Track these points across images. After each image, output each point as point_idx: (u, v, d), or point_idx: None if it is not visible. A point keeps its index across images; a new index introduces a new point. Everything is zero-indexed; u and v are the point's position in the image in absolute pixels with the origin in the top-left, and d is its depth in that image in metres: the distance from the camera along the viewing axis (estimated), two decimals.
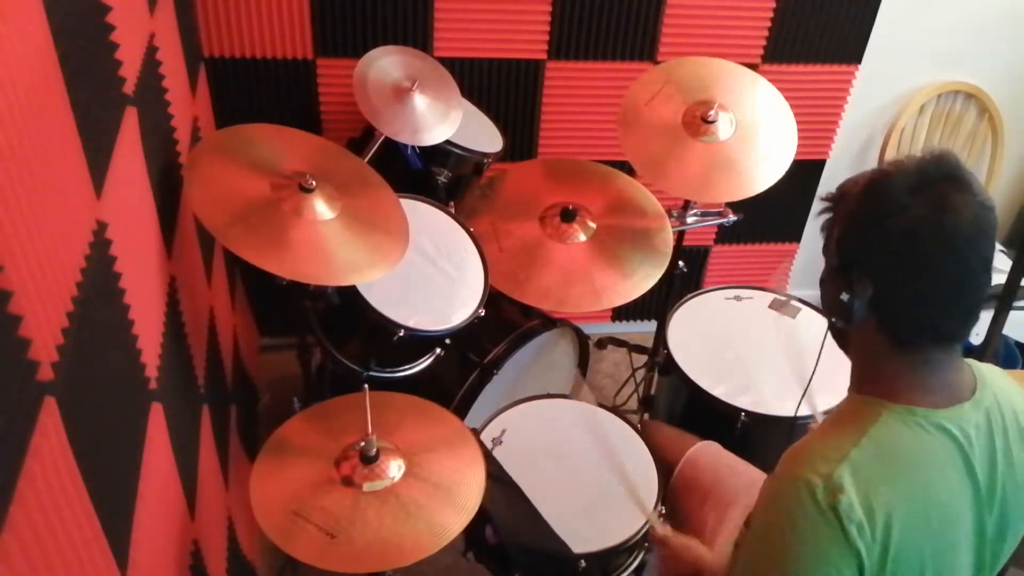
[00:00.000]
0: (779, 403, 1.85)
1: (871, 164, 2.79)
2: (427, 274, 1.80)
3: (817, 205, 1.21)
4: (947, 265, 1.04)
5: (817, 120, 2.63)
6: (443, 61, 2.11)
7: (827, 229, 1.14)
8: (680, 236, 2.18)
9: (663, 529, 1.48)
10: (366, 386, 1.48)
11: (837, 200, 1.13)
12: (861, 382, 1.14)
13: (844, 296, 1.07)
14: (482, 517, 1.47)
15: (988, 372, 1.15)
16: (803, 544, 1.02)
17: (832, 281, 1.11)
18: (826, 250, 1.14)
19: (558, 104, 2.45)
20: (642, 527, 1.57)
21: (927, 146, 1.07)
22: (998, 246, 2.75)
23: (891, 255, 1.04)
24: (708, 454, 1.72)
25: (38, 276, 0.79)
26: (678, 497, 1.69)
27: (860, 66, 2.57)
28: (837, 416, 1.13)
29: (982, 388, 1.11)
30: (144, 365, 1.15)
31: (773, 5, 2.39)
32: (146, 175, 1.30)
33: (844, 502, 1.00)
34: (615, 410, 1.85)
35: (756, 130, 2.01)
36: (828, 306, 1.15)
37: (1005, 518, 1.11)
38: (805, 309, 2.10)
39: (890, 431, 1.05)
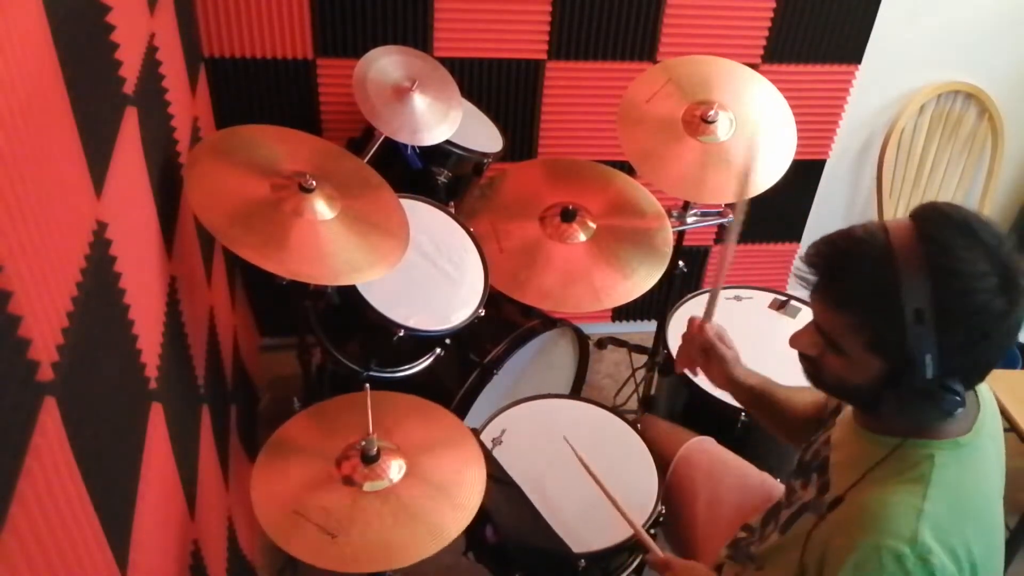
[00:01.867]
0: None
1: (871, 164, 2.79)
2: (427, 274, 1.80)
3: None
4: (1018, 327, 1.01)
5: (817, 120, 2.63)
6: (443, 61, 2.11)
7: (874, 330, 1.03)
8: (680, 236, 2.18)
9: (664, 554, 1.46)
10: (367, 385, 1.48)
11: (874, 298, 1.01)
12: (891, 426, 1.10)
13: (960, 408, 1.01)
14: (482, 517, 1.47)
15: None
16: None
17: (922, 392, 1.01)
18: (876, 353, 1.03)
19: (558, 104, 2.45)
20: (644, 524, 1.57)
21: (937, 204, 1.02)
22: None
23: (987, 351, 1.00)
24: (702, 451, 1.72)
25: (38, 276, 0.79)
26: (672, 495, 1.69)
27: (860, 66, 2.57)
28: (880, 466, 1.09)
29: (979, 391, 1.13)
30: (144, 365, 1.15)
31: (773, 5, 2.39)
32: (146, 175, 1.30)
33: (937, 563, 0.98)
34: (615, 410, 1.85)
35: (756, 130, 2.01)
36: (904, 410, 1.05)
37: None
38: (805, 309, 2.10)
39: (950, 473, 1.04)
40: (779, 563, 1.20)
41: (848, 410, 1.23)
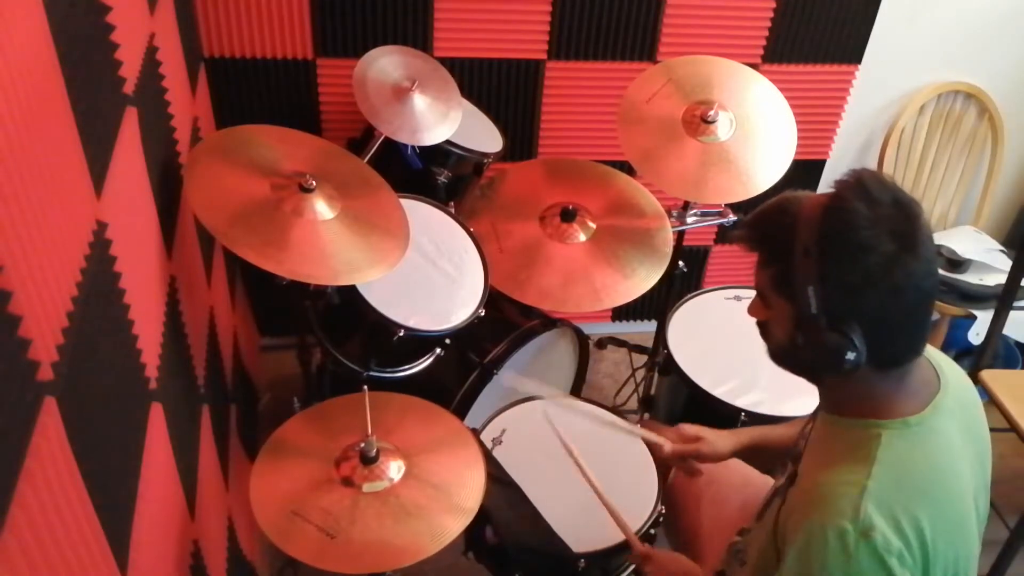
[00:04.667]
0: (779, 403, 1.85)
1: (871, 164, 2.79)
2: (427, 274, 1.80)
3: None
4: (925, 286, 1.03)
5: (817, 120, 2.63)
6: (443, 61, 2.11)
7: (776, 269, 1.08)
8: (680, 236, 2.18)
9: (644, 546, 1.47)
10: (366, 387, 1.48)
11: (776, 238, 1.07)
12: (842, 405, 1.13)
13: (850, 355, 1.02)
14: (482, 517, 1.47)
15: (935, 354, 1.17)
16: None
17: (813, 333, 1.04)
18: (781, 294, 1.08)
19: (558, 104, 2.45)
20: (644, 524, 1.57)
21: (850, 172, 1.08)
22: (998, 246, 2.75)
23: (878, 297, 1.02)
24: None
25: (38, 276, 0.78)
26: (674, 498, 1.69)
27: (860, 66, 2.57)
28: (832, 446, 1.11)
29: (942, 373, 1.13)
30: (144, 365, 1.15)
31: (773, 5, 2.40)
32: (146, 175, 1.30)
33: (879, 539, 0.99)
34: (615, 410, 1.85)
35: (756, 130, 2.01)
36: (808, 357, 1.08)
37: (981, 493, 1.15)
38: None
39: (896, 450, 1.05)
40: (759, 551, 1.21)
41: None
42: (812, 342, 1.05)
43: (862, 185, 1.03)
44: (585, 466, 1.53)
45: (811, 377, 1.17)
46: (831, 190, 1.06)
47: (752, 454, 1.53)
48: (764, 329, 1.18)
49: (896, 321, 1.04)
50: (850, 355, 1.02)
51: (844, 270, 1.01)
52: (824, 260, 1.02)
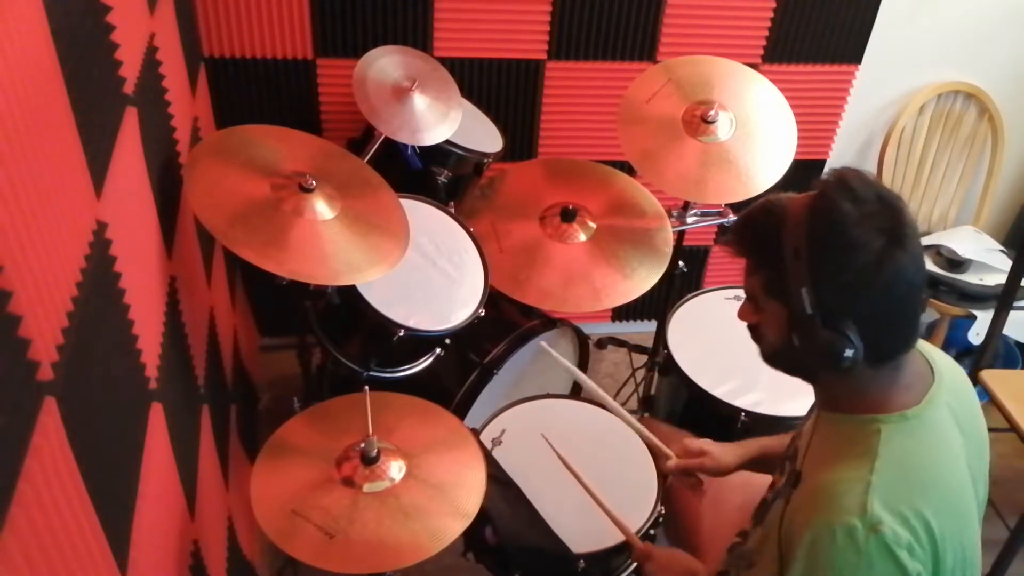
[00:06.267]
0: (778, 403, 1.84)
1: (871, 164, 2.79)
2: (427, 274, 1.80)
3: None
4: (915, 279, 1.04)
5: (817, 120, 2.63)
6: (443, 61, 2.11)
7: (766, 273, 1.11)
8: (680, 236, 2.18)
9: (644, 545, 1.47)
10: (367, 387, 1.48)
11: (764, 242, 1.10)
12: (839, 402, 1.13)
13: (847, 352, 1.03)
14: (482, 517, 1.47)
15: (927, 347, 1.18)
16: None
17: (809, 333, 1.05)
18: (774, 297, 1.10)
19: (558, 104, 2.45)
20: (639, 529, 1.57)
21: (831, 171, 1.09)
22: (998, 246, 2.75)
23: (871, 293, 1.03)
24: None
25: (38, 276, 0.78)
26: (675, 497, 1.68)
27: (860, 66, 2.57)
28: (832, 444, 1.12)
29: (935, 365, 1.14)
30: (144, 365, 1.15)
31: (773, 5, 2.40)
32: (146, 175, 1.30)
33: (888, 533, 0.99)
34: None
35: (756, 130, 2.01)
36: (805, 357, 1.08)
37: (980, 481, 1.16)
38: None
39: (896, 444, 1.06)
40: (764, 554, 1.21)
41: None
42: (808, 342, 1.06)
43: (846, 183, 1.04)
44: (580, 472, 1.53)
45: (806, 376, 1.18)
46: (814, 190, 1.07)
47: (756, 466, 1.53)
48: (756, 332, 1.20)
49: (889, 315, 1.05)
50: (848, 352, 1.03)
51: (836, 269, 1.03)
52: (815, 261, 1.03)
